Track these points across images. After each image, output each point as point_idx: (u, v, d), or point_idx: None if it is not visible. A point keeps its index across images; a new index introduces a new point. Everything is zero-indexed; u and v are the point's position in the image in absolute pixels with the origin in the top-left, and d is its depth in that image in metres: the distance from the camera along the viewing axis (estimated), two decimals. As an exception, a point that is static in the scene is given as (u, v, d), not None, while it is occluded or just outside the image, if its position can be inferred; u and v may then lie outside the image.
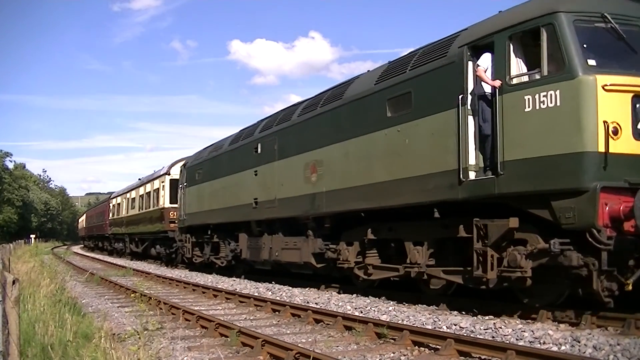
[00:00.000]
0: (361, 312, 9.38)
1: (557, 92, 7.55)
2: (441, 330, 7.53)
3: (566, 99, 7.48)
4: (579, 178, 7.32)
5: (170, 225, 23.68)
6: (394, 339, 7.14)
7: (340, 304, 10.41)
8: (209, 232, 18.34)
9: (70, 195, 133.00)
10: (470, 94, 8.83)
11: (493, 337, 7.03)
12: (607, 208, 7.27)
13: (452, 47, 9.26)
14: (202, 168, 19.16)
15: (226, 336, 7.71)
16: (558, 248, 7.51)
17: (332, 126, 11.85)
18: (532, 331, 7.01)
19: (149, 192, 27.94)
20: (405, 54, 10.79)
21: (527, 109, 7.92)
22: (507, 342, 6.61)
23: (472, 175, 8.74)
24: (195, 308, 10.51)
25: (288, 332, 8.25)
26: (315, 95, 13.34)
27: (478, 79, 8.78)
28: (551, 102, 7.61)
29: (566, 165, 7.42)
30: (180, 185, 21.32)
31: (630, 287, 7.49)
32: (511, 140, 8.10)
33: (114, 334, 7.05)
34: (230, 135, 17.97)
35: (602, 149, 7.26)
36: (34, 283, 10.18)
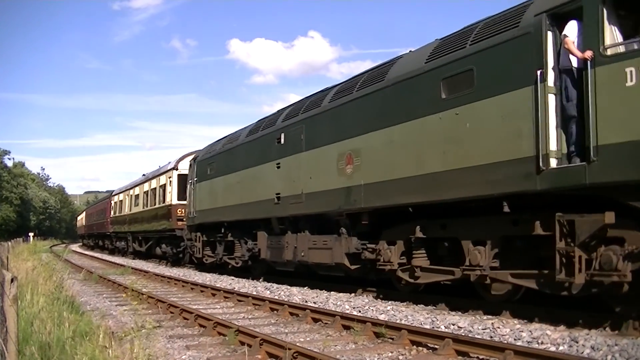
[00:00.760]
0: (359, 312, 9.19)
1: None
2: (439, 330, 7.35)
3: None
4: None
5: (178, 223, 22.08)
6: (392, 339, 6.99)
7: (338, 303, 10.20)
8: (223, 231, 16.84)
9: (68, 194, 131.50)
10: (552, 69, 7.46)
11: (491, 337, 6.86)
12: None
13: (526, 16, 7.85)
14: (215, 162, 17.64)
15: (224, 335, 7.52)
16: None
17: (372, 111, 10.43)
18: (530, 331, 6.82)
19: (155, 188, 26.23)
20: (461, 28, 9.38)
21: (629, 83, 6.54)
22: (505, 342, 6.45)
23: (553, 162, 7.35)
24: (194, 307, 10.26)
25: (286, 331, 8.07)
26: (350, 78, 11.90)
27: (560, 52, 7.43)
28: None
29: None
30: (190, 181, 19.75)
31: None
32: (608, 120, 6.70)
33: (112, 332, 6.85)
34: (247, 126, 16.47)
35: None
36: (32, 281, 9.81)
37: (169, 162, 24.77)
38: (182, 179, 22.41)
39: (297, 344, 6.46)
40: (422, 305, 9.59)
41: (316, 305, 9.90)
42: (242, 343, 6.96)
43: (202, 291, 13.31)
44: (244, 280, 15.80)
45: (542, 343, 6.40)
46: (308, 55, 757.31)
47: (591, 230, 6.90)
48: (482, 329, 7.29)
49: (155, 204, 25.74)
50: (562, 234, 7.19)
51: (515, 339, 6.66)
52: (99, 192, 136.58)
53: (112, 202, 37.21)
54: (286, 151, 13.14)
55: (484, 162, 8.15)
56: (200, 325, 8.50)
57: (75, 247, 61.15)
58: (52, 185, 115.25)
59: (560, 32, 7.47)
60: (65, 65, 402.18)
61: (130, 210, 31.35)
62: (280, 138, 13.45)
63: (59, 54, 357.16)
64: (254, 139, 14.94)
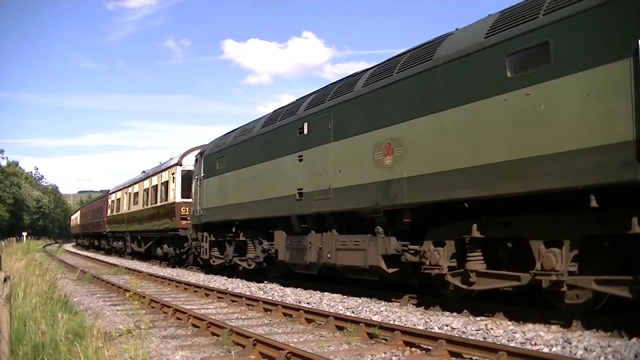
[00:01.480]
0: (353, 312, 9.09)
1: None
2: (433, 331, 7.26)
3: None
4: None
5: (182, 222, 20.51)
6: (386, 339, 6.91)
7: (332, 304, 10.02)
8: (234, 230, 15.41)
9: (62, 193, 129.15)
10: (658, 37, 6.16)
11: (484, 338, 6.77)
12: None
13: (621, -24, 6.56)
14: (225, 156, 16.16)
15: (218, 335, 7.45)
16: None
17: (417, 95, 9.08)
18: (524, 332, 6.74)
19: (156, 185, 24.46)
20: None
21: None
22: (499, 343, 6.37)
23: (659, 148, 6.06)
24: (187, 307, 10.09)
25: (280, 331, 8.00)
26: (387, 60, 10.51)
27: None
28: None
29: None
30: (196, 177, 18.23)
31: None
32: None
33: (106, 333, 6.68)
34: (262, 116, 15.01)
35: None
36: (25, 281, 9.55)
37: (172, 158, 23.14)
38: (187, 176, 20.90)
39: (291, 345, 6.41)
40: (415, 306, 9.38)
41: (310, 306, 9.71)
42: (236, 343, 6.86)
43: (195, 291, 13.09)
44: (237, 280, 15.49)
45: (535, 344, 6.27)
46: (302, 56, 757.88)
47: None
48: (476, 330, 7.13)
49: (156, 202, 24.07)
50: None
51: (508, 340, 6.54)
52: (92, 191, 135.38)
53: (109, 201, 35.40)
54: (310, 142, 11.76)
55: (564, 150, 6.82)
56: (194, 326, 8.38)
57: (68, 246, 60.21)
58: (45, 185, 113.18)
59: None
60: (59, 65, 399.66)
61: (128, 209, 29.67)
62: (302, 128, 12.07)
63: (53, 53, 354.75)
64: (271, 130, 13.52)
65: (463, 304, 8.75)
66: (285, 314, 9.29)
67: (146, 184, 26.24)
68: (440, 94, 8.63)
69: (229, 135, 16.75)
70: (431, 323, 7.80)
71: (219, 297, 11.77)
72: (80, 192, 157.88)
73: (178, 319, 9.04)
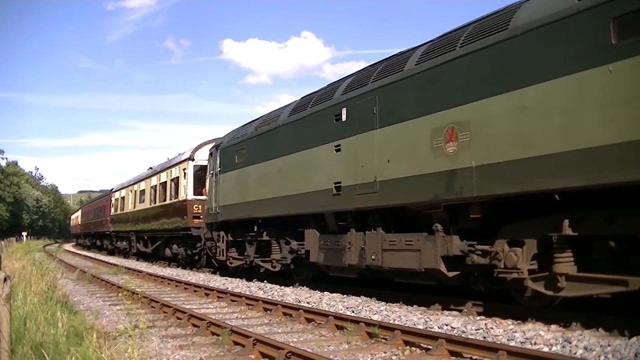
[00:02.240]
0: (353, 312, 8.91)
1: None
2: (432, 330, 7.11)
3: None
4: None
5: (194, 220, 18.93)
6: (386, 339, 6.80)
7: (332, 303, 9.81)
8: (255, 229, 13.95)
9: (62, 193, 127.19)
10: None
11: (484, 337, 6.63)
12: None
13: None
14: (245, 148, 14.53)
15: (218, 335, 7.33)
16: None
17: (488, 71, 7.70)
18: (524, 332, 6.63)
19: (165, 182, 22.65)
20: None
21: None
22: (499, 342, 6.21)
23: None
24: (187, 307, 9.94)
25: (280, 331, 7.89)
26: (447, 33, 9.12)
27: None
28: None
29: None
30: (211, 172, 16.66)
31: None
32: None
33: (106, 332, 6.68)
34: (288, 103, 13.48)
35: None
36: (25, 280, 9.42)
37: (182, 152, 21.47)
38: (199, 171, 19.40)
39: (291, 344, 6.32)
40: (415, 306, 9.22)
41: (309, 306, 9.55)
42: (236, 343, 6.77)
43: (195, 291, 12.88)
44: (237, 280, 15.10)
45: (535, 343, 6.17)
46: (302, 56, 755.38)
47: None
48: (476, 330, 7.01)
49: (165, 200, 22.41)
50: None
51: (508, 340, 6.43)
52: (92, 191, 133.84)
53: (113, 199, 33.61)
54: (350, 130, 10.36)
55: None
56: (194, 325, 8.25)
57: (68, 246, 59.04)
58: (45, 185, 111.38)
59: None
60: (59, 65, 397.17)
61: (134, 208, 27.95)
62: (340, 114, 10.66)
63: (52, 54, 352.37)
64: (300, 118, 12.07)
65: (462, 303, 8.50)
66: (285, 314, 9.10)
67: (154, 180, 24.52)
68: (520, 68, 7.24)
69: (248, 125, 15.26)
70: (431, 322, 7.63)
71: (219, 297, 11.55)
72: (80, 191, 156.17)
73: (178, 318, 8.85)
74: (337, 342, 6.95)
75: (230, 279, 15.77)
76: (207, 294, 12.11)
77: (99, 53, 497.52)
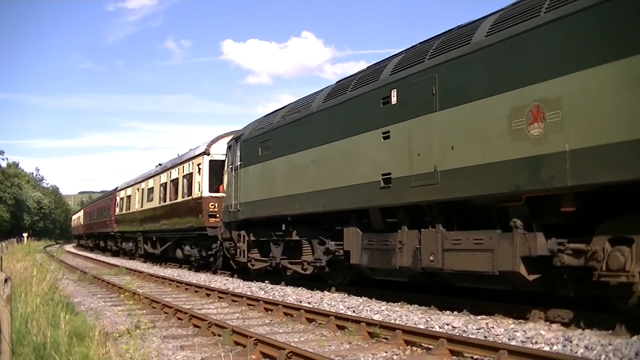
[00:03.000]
0: (354, 312, 8.78)
1: None
2: (434, 329, 6.98)
3: None
4: None
5: (210, 220, 17.36)
6: (387, 339, 6.65)
7: (332, 303, 9.64)
8: (283, 228, 12.45)
9: (63, 194, 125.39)
10: None
11: (485, 336, 6.50)
12: None
13: None
14: (270, 139, 13.07)
15: (219, 335, 7.07)
16: None
17: (585, 37, 6.33)
18: (525, 331, 6.47)
19: (176, 179, 20.99)
20: None
21: None
22: (500, 341, 6.08)
23: None
24: (188, 307, 9.81)
25: (281, 331, 7.72)
26: (518, 2, 7.74)
27: None
28: None
29: None
30: (230, 166, 14.99)
31: None
32: None
33: (107, 333, 6.61)
34: (323, 88, 11.98)
35: None
36: (26, 282, 9.32)
37: (197, 147, 19.80)
38: (216, 166, 17.80)
39: (292, 344, 6.22)
40: (416, 305, 9.09)
41: (310, 306, 9.42)
42: (237, 343, 6.71)
43: (196, 291, 12.71)
44: (238, 280, 14.85)
45: (536, 343, 6.07)
46: (302, 56, 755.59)
47: None
48: (477, 329, 6.92)
49: (177, 198, 20.80)
50: None
51: (509, 339, 6.34)
52: (93, 192, 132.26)
53: (117, 198, 31.94)
54: (401, 114, 8.96)
55: None
56: (195, 326, 8.14)
57: (69, 247, 57.80)
58: (46, 186, 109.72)
59: None
60: (59, 66, 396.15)
61: (141, 207, 26.24)
62: (388, 97, 9.27)
63: (52, 55, 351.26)
64: (339, 103, 10.62)
65: (463, 302, 8.41)
66: (286, 314, 8.98)
67: (163, 177, 22.84)
68: (635, 30, 5.89)
69: (274, 114, 13.76)
70: (432, 322, 7.51)
71: (220, 297, 11.40)
72: (80, 192, 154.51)
73: (179, 319, 8.75)
74: (338, 342, 6.84)
75: (231, 279, 15.48)
76: (208, 295, 11.95)
77: (100, 54, 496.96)
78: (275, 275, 13.75)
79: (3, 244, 28.58)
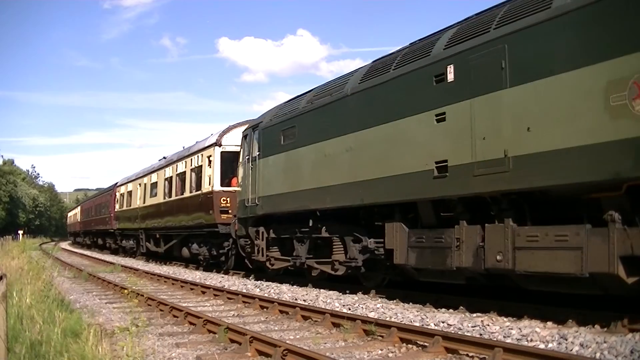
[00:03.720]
0: (349, 309, 8.56)
1: None
2: (429, 327, 6.87)
3: None
4: None
5: (222, 216, 15.75)
6: (382, 336, 6.57)
7: (328, 301, 9.46)
8: (311, 223, 11.02)
9: (58, 191, 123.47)
10: None
11: (481, 334, 6.41)
12: None
13: None
14: (295, 125, 11.64)
15: (214, 332, 7.03)
16: None
17: None
18: (520, 329, 6.37)
19: (183, 172, 19.32)
20: None
21: None
22: (495, 339, 6.01)
23: None
24: (184, 304, 9.76)
25: (276, 328, 7.68)
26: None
27: None
28: None
29: None
30: (247, 156, 13.58)
31: None
32: None
33: (103, 330, 6.41)
34: (358, 68, 10.65)
35: None
36: (21, 279, 9.12)
37: (207, 137, 18.21)
38: (228, 158, 16.33)
39: (287, 342, 6.09)
40: (411, 303, 8.93)
41: (306, 303, 9.29)
42: (232, 341, 6.57)
43: (192, 289, 12.59)
44: (233, 277, 14.74)
45: (531, 340, 5.95)
46: (298, 54, 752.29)
47: None
48: (472, 327, 6.76)
49: (183, 193, 19.27)
50: None
51: (504, 337, 6.20)
52: (89, 189, 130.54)
53: (118, 194, 30.31)
54: (460, 92, 7.71)
55: None
56: (190, 323, 8.04)
57: (65, 244, 56.25)
58: (41, 183, 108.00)
59: None
60: (54, 63, 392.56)
61: (143, 203, 24.62)
62: (443, 74, 8.03)
63: (48, 52, 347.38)
64: (380, 84, 9.29)
65: (458, 300, 8.28)
66: (281, 311, 8.88)
67: (168, 172, 21.28)
68: None
69: (298, 99, 12.38)
70: (427, 320, 7.44)
71: (216, 295, 11.31)
72: (76, 189, 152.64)
73: (174, 316, 8.69)
74: (333, 339, 6.80)
75: (226, 277, 15.08)
76: (203, 292, 11.85)
77: (95, 51, 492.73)
78: (297, 276, 12.51)
79: (-2, 241, 27.81)
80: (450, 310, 8.07)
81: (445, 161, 7.86)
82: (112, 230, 31.40)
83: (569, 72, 6.38)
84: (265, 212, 12.67)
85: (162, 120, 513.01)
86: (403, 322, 7.13)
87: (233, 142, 16.16)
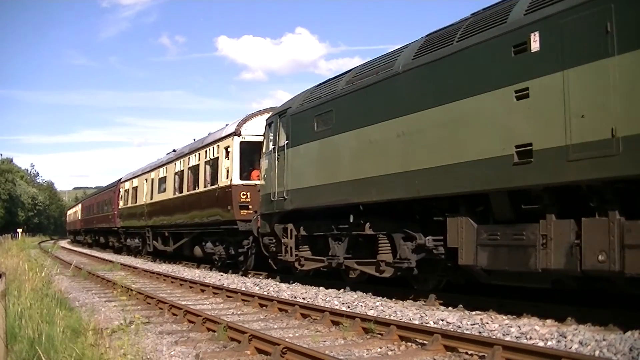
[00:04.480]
0: (348, 307, 8.51)
1: None
2: (428, 325, 6.86)
3: None
4: None
5: (242, 212, 14.34)
6: (381, 334, 6.56)
7: (327, 299, 9.33)
8: (351, 219, 9.74)
9: (57, 190, 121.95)
10: None
11: (480, 332, 6.38)
12: None
13: None
14: (333, 109, 10.25)
15: (213, 331, 7.02)
16: None
17: None
18: (519, 326, 6.33)
19: (196, 165, 17.77)
20: None
21: None
22: (494, 337, 6.00)
23: None
24: (183, 303, 9.65)
25: (275, 326, 7.69)
26: None
27: None
28: None
29: None
30: (272, 147, 12.21)
31: None
32: None
33: (102, 329, 6.30)
34: (407, 44, 9.23)
35: None
36: (20, 277, 9.05)
37: (224, 127, 16.24)
38: (248, 149, 14.90)
39: (286, 340, 6.11)
40: (411, 301, 8.72)
41: (305, 301, 9.16)
42: (232, 339, 6.53)
43: (191, 287, 12.53)
44: (232, 275, 14.67)
45: (530, 338, 5.91)
46: (296, 52, 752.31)
47: None
48: (471, 325, 6.70)
49: (197, 188, 17.63)
50: None
51: (504, 334, 6.15)
52: (88, 188, 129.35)
53: (122, 190, 28.74)
54: (549, 64, 6.39)
55: None
56: (190, 321, 7.94)
57: (64, 243, 55.49)
58: (40, 182, 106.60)
59: None
60: (53, 62, 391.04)
61: (150, 199, 23.11)
62: (525, 43, 6.74)
63: (46, 51, 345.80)
64: (440, 58, 7.95)
65: (459, 299, 8.20)
66: (280, 310, 8.84)
67: (179, 165, 19.76)
68: None
69: (335, 80, 10.91)
70: (427, 318, 7.32)
71: (215, 293, 11.28)
72: (75, 188, 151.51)
73: (174, 314, 8.67)
74: (332, 337, 6.77)
75: (225, 275, 14.90)
76: (202, 290, 11.84)
77: (93, 50, 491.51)
78: (331, 278, 11.24)
79: (-3, 239, 26.93)
80: (450, 308, 8.00)
81: (529, 144, 6.59)
82: (116, 228, 30.02)
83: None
84: (295, 207, 11.33)
85: (160, 118, 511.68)
86: (402, 320, 7.10)
87: (253, 131, 14.81)
